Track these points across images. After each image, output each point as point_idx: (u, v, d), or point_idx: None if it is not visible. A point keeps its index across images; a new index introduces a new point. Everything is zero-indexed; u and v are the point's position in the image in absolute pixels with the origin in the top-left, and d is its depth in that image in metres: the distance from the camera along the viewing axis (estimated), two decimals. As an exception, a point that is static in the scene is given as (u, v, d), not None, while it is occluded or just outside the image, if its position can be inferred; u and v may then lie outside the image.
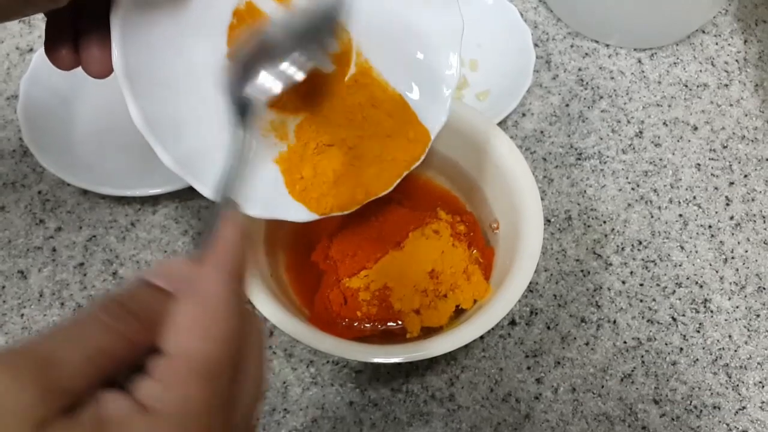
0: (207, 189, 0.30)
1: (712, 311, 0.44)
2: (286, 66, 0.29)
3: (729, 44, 0.56)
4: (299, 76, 0.29)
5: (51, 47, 0.27)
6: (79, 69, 0.29)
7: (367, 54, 0.34)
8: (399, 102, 0.35)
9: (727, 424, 0.41)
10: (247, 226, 0.22)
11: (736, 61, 0.55)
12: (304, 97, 0.34)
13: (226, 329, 0.18)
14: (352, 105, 0.34)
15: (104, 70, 0.27)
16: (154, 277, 0.20)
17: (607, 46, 0.55)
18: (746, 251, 0.46)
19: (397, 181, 0.35)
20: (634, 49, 0.55)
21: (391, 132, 0.35)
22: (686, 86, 0.53)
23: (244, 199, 0.30)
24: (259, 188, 0.32)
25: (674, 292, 0.45)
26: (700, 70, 0.54)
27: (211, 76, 0.30)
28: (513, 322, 0.43)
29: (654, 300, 0.44)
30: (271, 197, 0.32)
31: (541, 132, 0.50)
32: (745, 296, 0.45)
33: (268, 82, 0.29)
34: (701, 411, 0.41)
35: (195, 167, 0.29)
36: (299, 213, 0.33)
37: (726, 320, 0.44)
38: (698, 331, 0.43)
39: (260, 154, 0.32)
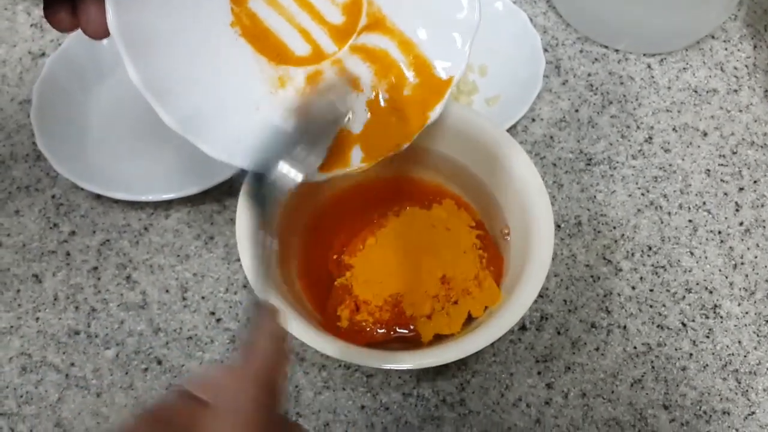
0: (212, 149, 0.29)
1: (721, 317, 0.44)
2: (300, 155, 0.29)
3: (738, 50, 0.56)
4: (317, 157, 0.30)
5: (50, 9, 0.26)
6: (92, 74, 0.28)
7: (379, 2, 0.33)
8: (416, 55, 0.34)
9: (737, 430, 0.41)
10: (282, 332, 0.23)
11: (746, 66, 0.55)
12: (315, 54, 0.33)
13: None
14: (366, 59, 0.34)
15: (102, 31, 0.26)
16: (192, 386, 0.21)
17: (617, 51, 0.55)
18: (756, 257, 0.46)
19: (416, 135, 0.34)
20: (644, 55, 0.55)
21: (410, 87, 0.34)
22: (696, 92, 0.53)
23: (251, 157, 0.29)
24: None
25: (684, 297, 0.45)
26: (710, 76, 0.54)
27: (213, 33, 0.29)
28: (523, 328, 0.43)
29: (664, 305, 0.44)
30: None
31: (551, 137, 0.51)
32: (755, 302, 0.45)
33: (291, 173, 0.28)
34: (711, 416, 0.41)
35: (198, 128, 0.29)
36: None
37: (735, 326, 0.44)
38: (708, 337, 0.44)
39: (271, 110, 0.31)
